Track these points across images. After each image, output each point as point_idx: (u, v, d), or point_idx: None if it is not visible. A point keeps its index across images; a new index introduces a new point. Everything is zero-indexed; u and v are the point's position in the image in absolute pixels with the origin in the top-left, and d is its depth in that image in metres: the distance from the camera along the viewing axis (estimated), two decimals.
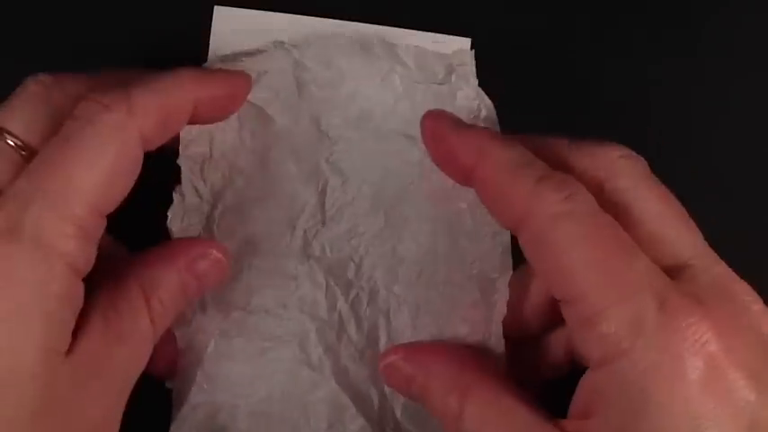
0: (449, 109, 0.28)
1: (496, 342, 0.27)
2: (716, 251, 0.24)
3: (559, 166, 0.25)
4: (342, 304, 0.28)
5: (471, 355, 0.27)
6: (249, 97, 0.28)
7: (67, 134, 0.23)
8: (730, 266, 0.24)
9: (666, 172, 0.25)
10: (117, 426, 0.24)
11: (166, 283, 0.25)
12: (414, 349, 0.27)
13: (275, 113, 0.29)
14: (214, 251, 0.26)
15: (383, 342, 0.28)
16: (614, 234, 0.23)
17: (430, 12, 0.31)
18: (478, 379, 0.25)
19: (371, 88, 0.29)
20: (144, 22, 0.32)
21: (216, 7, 0.31)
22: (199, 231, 0.28)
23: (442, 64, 0.29)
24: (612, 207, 0.24)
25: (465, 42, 0.31)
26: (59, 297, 0.22)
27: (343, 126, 0.29)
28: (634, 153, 0.25)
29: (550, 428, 0.23)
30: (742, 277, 0.24)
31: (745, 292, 0.23)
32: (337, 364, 0.28)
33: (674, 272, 0.23)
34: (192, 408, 0.27)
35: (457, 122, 0.27)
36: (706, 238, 0.25)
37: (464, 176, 0.26)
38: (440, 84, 0.29)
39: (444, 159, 0.27)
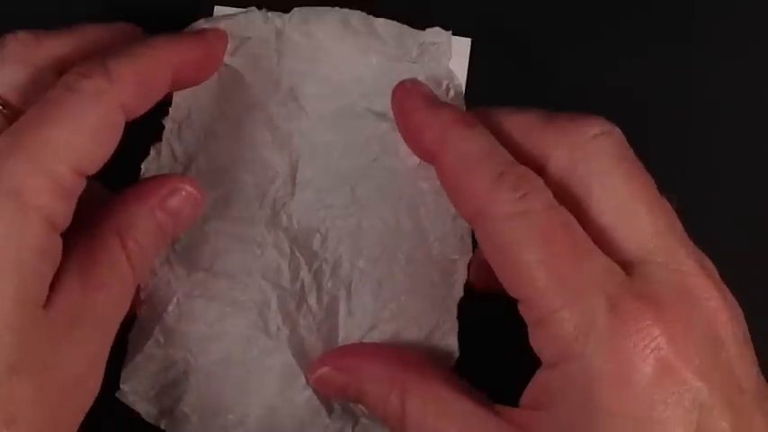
0: None
1: (451, 323, 0.28)
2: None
3: (529, 145, 0.25)
4: (305, 274, 0.28)
5: (410, 351, 0.27)
6: (230, 62, 0.28)
7: (50, 99, 0.23)
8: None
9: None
10: (101, 373, 0.24)
11: (141, 222, 0.25)
12: (343, 355, 0.27)
13: (254, 81, 0.29)
14: (186, 186, 0.26)
15: (342, 314, 0.28)
16: (567, 233, 0.23)
17: (430, 12, 0.31)
18: (419, 374, 0.25)
19: (349, 65, 0.29)
20: (144, 21, 0.32)
21: (216, 7, 0.31)
22: None
23: (416, 42, 0.29)
24: (574, 194, 0.24)
25: (465, 42, 0.31)
26: (34, 249, 0.22)
27: (318, 100, 0.29)
28: (609, 127, 0.24)
29: (494, 420, 0.24)
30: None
31: (703, 287, 0.23)
32: (294, 332, 0.28)
33: (630, 267, 0.23)
34: (147, 358, 0.28)
35: (427, 99, 0.26)
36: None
37: (428, 158, 0.26)
38: (413, 62, 0.29)
39: (410, 137, 0.26)
